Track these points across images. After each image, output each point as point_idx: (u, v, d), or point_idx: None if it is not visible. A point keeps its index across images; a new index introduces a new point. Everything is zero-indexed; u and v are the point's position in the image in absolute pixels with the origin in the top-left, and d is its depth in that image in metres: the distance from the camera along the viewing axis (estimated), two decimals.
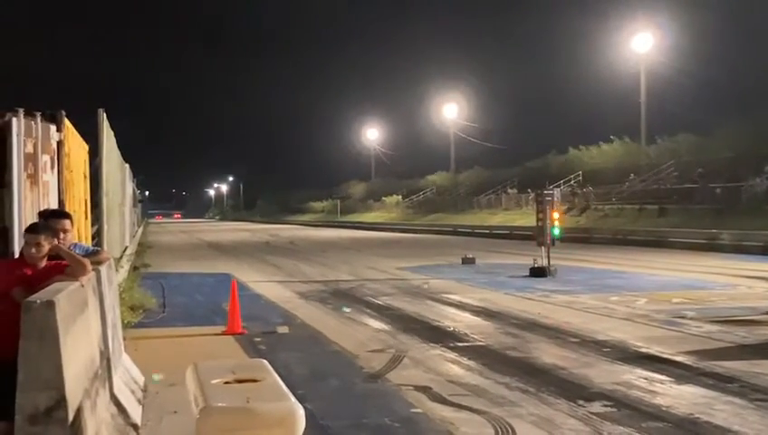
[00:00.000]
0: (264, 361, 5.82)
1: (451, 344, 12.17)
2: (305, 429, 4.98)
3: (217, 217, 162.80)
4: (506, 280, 22.20)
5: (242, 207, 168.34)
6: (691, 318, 14.43)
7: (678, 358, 10.79)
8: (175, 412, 7.94)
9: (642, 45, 59.88)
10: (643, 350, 11.43)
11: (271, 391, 4.74)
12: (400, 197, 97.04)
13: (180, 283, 22.28)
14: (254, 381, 4.98)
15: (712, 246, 33.85)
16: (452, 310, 16.51)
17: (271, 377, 5.06)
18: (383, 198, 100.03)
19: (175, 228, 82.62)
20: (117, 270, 15.77)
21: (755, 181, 44.22)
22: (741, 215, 39.43)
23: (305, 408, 5.22)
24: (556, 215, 23.60)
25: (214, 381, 4.90)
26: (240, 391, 4.71)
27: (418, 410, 8.27)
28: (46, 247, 6.14)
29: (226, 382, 4.92)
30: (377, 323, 14.69)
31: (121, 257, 22.51)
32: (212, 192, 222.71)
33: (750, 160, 45.68)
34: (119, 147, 22.02)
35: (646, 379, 9.57)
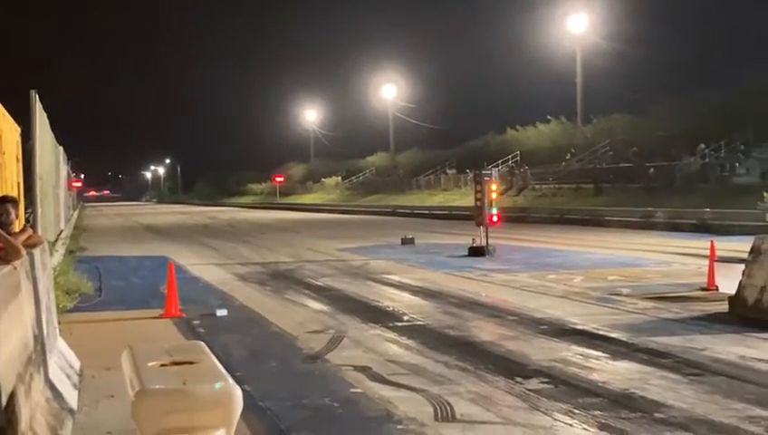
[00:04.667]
0: (202, 343, 5.79)
1: (390, 324, 12.22)
2: (245, 411, 4.97)
3: (155, 200, 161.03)
4: (445, 260, 22.32)
5: (180, 189, 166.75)
6: (626, 295, 14.65)
7: (614, 334, 10.96)
8: (112, 396, 7.87)
9: (577, 26, 60.41)
10: (579, 327, 11.59)
11: (208, 373, 4.71)
12: (340, 178, 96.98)
13: (117, 266, 22.04)
14: (191, 363, 4.94)
15: (647, 225, 34.39)
16: (391, 290, 16.57)
17: (208, 359, 5.03)
18: (323, 180, 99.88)
19: (111, 211, 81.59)
20: (51, 254, 15.57)
21: (689, 160, 44.97)
22: (675, 193, 40.12)
23: (244, 390, 5.21)
24: (494, 195, 23.72)
25: (150, 364, 4.86)
26: (176, 374, 4.67)
27: (358, 390, 8.29)
28: None
29: (163, 365, 4.88)
30: (316, 305, 14.68)
31: (56, 241, 22.21)
32: (149, 175, 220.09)
33: (684, 140, 46.45)
34: (52, 129, 21.66)
35: (582, 355, 9.71)
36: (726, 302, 12.48)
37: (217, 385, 4.42)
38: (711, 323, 11.67)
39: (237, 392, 4.49)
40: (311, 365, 9.61)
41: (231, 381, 4.59)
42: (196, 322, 12.67)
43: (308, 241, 31.53)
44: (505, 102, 79.34)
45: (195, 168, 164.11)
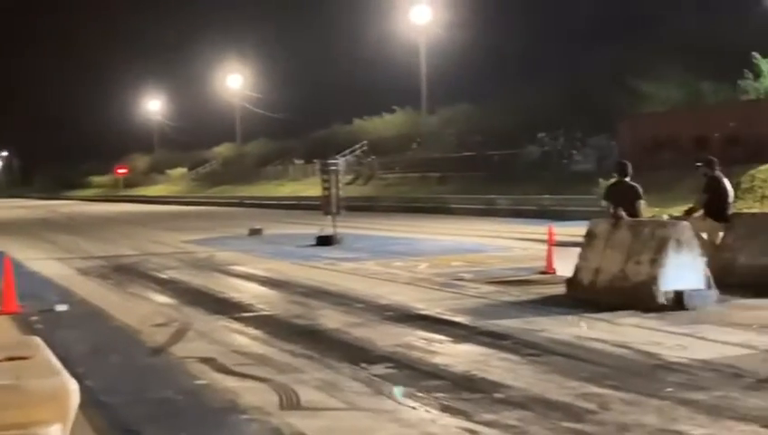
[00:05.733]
0: (37, 338, 5.63)
1: (236, 315, 12.13)
2: (85, 406, 4.86)
3: None
4: (293, 250, 22.32)
5: (18, 182, 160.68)
6: (469, 280, 14.98)
7: (457, 318, 11.20)
8: None
9: (421, 17, 61.20)
10: (424, 312, 11.79)
11: (42, 368, 4.60)
12: (185, 169, 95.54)
13: None
14: (25, 358, 4.81)
15: (489, 212, 35.29)
16: (238, 281, 16.47)
17: (43, 354, 4.90)
18: (168, 171, 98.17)
19: None
20: None
21: (530, 149, 46.29)
22: (517, 181, 41.23)
23: (85, 385, 5.11)
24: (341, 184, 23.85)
25: None
26: (9, 369, 4.53)
27: (203, 382, 8.22)
28: None
29: None
30: (161, 298, 14.45)
31: None
32: None
33: (525, 129, 47.73)
34: None
35: (426, 339, 9.88)
36: (564, 284, 12.93)
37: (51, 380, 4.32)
38: (549, 305, 12.06)
39: (73, 387, 4.40)
40: (154, 359, 9.46)
41: (66, 375, 4.50)
42: (34, 318, 12.26)
43: (152, 233, 30.98)
44: (353, 93, 79.61)
45: (34, 161, 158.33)
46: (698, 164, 14.76)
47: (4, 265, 13.26)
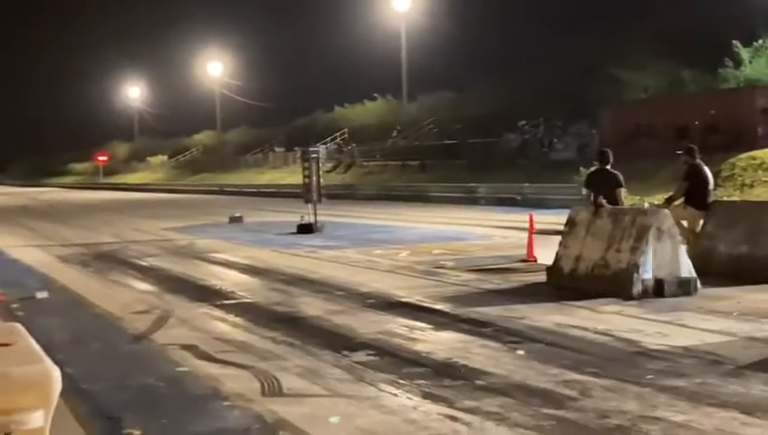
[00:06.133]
0: (18, 324, 5.60)
1: (218, 302, 12.12)
2: (66, 394, 4.84)
3: None
4: (274, 237, 22.29)
5: None
6: (450, 268, 15.01)
7: (438, 306, 11.22)
8: None
9: (401, 4, 61.10)
10: (405, 299, 11.81)
11: (24, 355, 4.57)
12: (166, 157, 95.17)
13: None
14: (7, 345, 4.78)
15: (470, 200, 35.33)
16: (219, 269, 16.44)
17: (24, 340, 4.87)
18: (148, 159, 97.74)
19: None
20: None
21: (510, 137, 46.35)
22: (497, 169, 41.27)
23: (66, 372, 5.09)
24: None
25: None
26: None
27: (184, 369, 8.21)
28: None
29: None
30: (142, 285, 14.42)
31: None
32: None
33: (505, 117, 47.78)
34: None
35: (407, 327, 9.90)
36: (545, 272, 12.97)
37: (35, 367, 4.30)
38: (530, 292, 12.10)
39: (55, 374, 4.37)
40: (135, 346, 9.44)
41: (49, 362, 4.47)
42: (14, 305, 12.20)
43: (132, 221, 30.87)
44: (333, 81, 79.51)
45: (11, 147, 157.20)
46: (679, 152, 14.83)
47: None
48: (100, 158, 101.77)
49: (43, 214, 38.25)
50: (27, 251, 20.29)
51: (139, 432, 6.31)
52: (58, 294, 13.46)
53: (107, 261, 18.02)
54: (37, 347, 4.80)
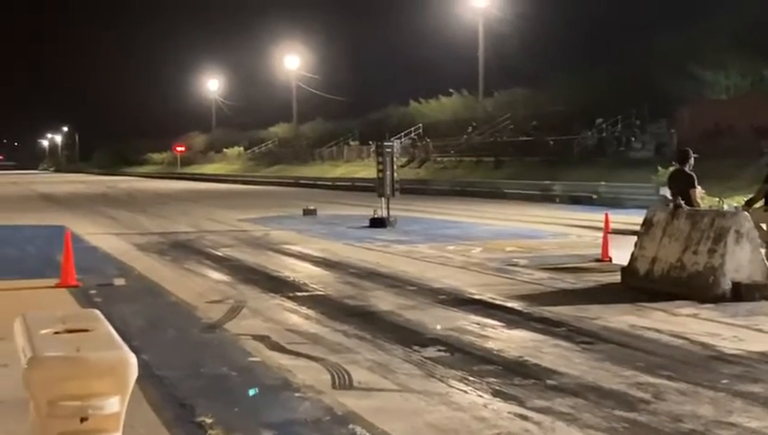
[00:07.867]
0: (97, 311, 5.70)
1: (290, 294, 12.22)
2: (141, 380, 4.92)
3: (52, 169, 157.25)
4: (347, 231, 22.38)
5: (77, 158, 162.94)
6: (523, 266, 14.92)
7: (510, 304, 11.16)
8: (5, 365, 7.71)
9: (480, 0, 60.79)
10: (476, 296, 11.77)
11: (102, 341, 4.65)
12: (242, 148, 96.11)
13: (11, 235, 21.53)
14: (86, 331, 4.87)
15: (545, 197, 35.03)
16: (292, 260, 16.56)
17: (103, 326, 4.96)
18: (224, 150, 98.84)
19: (5, 180, 79.39)
20: None
21: (587, 134, 45.86)
22: (573, 166, 40.90)
23: (141, 359, 5.17)
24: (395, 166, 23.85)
25: (43, 332, 4.77)
26: (70, 341, 4.60)
27: (256, 359, 8.29)
28: None
29: (56, 332, 4.80)
30: (216, 275, 14.60)
31: None
32: (46, 143, 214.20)
33: (583, 114, 47.30)
34: None
35: (478, 324, 9.87)
36: (619, 272, 12.82)
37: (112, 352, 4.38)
38: (604, 293, 11.98)
39: (132, 360, 4.45)
40: (209, 335, 9.56)
41: (126, 348, 4.55)
42: (92, 291, 12.46)
43: (208, 211, 31.26)
44: (409, 75, 79.51)
45: (94, 136, 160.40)
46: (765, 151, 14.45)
47: (65, 240, 13.46)
48: (178, 148, 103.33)
49: (121, 202, 38.95)
50: (106, 239, 20.68)
51: (211, 420, 6.38)
52: (135, 281, 13.70)
53: (183, 250, 18.28)
54: (115, 334, 4.88)
